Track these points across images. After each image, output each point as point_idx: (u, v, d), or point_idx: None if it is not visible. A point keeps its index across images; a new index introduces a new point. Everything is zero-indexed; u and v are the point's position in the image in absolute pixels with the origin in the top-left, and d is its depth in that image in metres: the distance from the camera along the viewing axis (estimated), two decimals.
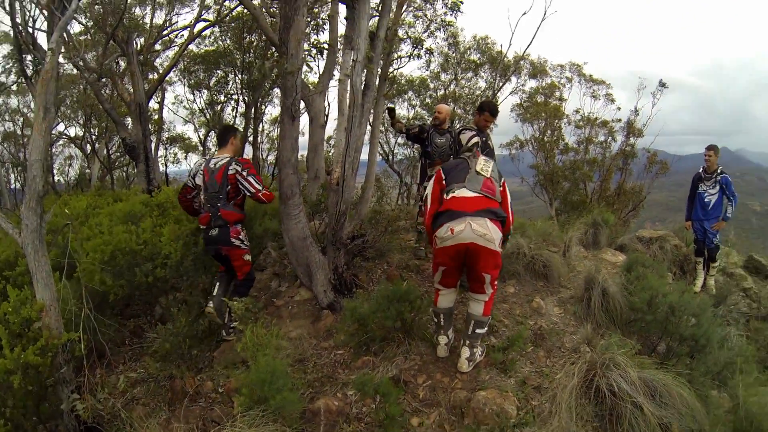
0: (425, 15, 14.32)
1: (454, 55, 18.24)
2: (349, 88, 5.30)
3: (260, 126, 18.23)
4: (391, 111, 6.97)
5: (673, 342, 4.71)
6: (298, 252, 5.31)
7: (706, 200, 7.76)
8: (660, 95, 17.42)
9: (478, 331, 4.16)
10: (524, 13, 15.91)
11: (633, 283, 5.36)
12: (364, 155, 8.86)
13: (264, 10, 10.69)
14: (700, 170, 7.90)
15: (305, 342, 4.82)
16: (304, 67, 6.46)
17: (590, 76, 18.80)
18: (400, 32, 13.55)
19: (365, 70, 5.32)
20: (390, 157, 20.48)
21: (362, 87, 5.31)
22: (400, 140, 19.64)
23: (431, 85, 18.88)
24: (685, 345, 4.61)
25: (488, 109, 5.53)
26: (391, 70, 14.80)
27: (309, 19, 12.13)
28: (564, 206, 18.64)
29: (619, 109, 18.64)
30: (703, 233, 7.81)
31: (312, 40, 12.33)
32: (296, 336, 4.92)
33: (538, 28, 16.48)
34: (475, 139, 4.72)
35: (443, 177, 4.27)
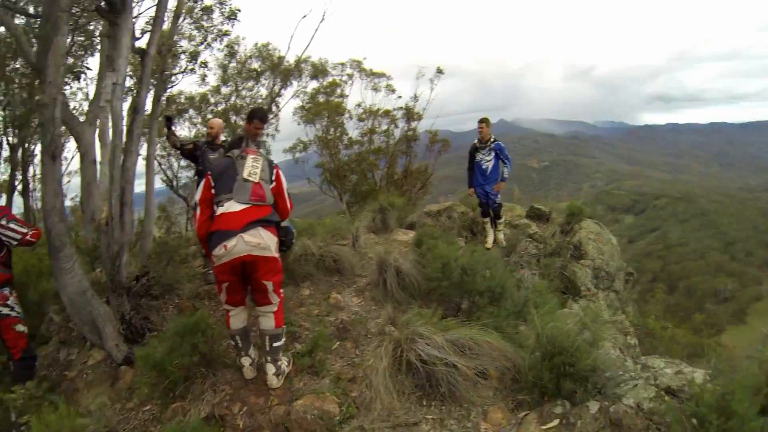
0: (202, 26, 13.69)
1: (234, 65, 17.77)
2: (110, 115, 4.87)
3: (30, 170, 16.08)
4: (169, 120, 6.57)
5: (473, 298, 5.03)
6: (79, 309, 4.73)
7: (484, 167, 8.48)
8: (438, 81, 18.85)
9: (275, 344, 4.04)
10: (304, 17, 16.01)
11: (425, 256, 5.64)
12: (142, 186, 8.30)
13: (30, 30, 9.35)
14: (476, 141, 8.61)
15: (109, 409, 4.32)
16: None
17: (371, 70, 19.43)
18: (178, 46, 12.84)
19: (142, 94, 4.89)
20: (174, 183, 19.34)
21: (124, 112, 4.88)
22: (182, 162, 18.70)
23: (212, 100, 18.21)
24: (484, 297, 4.97)
25: (257, 116, 5.37)
26: (170, 87, 14.02)
27: (82, 38, 10.97)
28: (355, 198, 19.20)
29: (400, 97, 19.60)
30: (486, 196, 8.55)
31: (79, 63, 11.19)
32: (98, 406, 4.37)
33: (316, 29, 16.81)
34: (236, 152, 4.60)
35: (212, 184, 4.05)
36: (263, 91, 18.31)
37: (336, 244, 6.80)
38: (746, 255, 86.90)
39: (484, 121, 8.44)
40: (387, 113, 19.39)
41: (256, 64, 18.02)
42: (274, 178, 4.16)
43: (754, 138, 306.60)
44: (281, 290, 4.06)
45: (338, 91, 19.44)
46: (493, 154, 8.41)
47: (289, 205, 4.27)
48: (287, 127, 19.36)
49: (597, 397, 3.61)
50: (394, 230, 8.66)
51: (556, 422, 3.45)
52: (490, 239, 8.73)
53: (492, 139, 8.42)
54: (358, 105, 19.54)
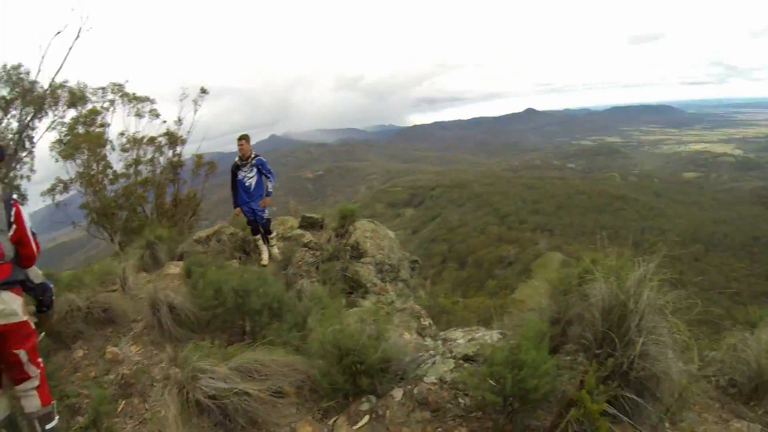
0: None
1: None
2: None
3: None
4: None
5: (253, 318, 4.99)
6: None
7: (247, 184, 8.42)
8: (202, 101, 17.97)
9: (49, 427, 3.49)
10: (58, 33, 14.19)
11: (196, 285, 5.45)
12: None
13: None
14: (237, 159, 8.48)
15: None
16: None
17: (134, 94, 17.69)
18: None
19: None
20: None
21: None
22: None
23: None
24: (263, 315, 4.97)
25: None
26: None
27: None
28: (127, 236, 17.63)
29: (164, 122, 18.17)
30: (253, 213, 8.55)
31: None
32: None
33: (70, 48, 14.84)
34: None
35: None
36: (14, 124, 15.79)
37: (105, 291, 6.21)
38: (520, 223, 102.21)
39: (243, 138, 8.36)
40: (152, 140, 17.92)
41: (4, 91, 15.36)
42: (13, 219, 3.42)
43: (510, 127, 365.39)
44: (39, 359, 3.51)
45: (99, 119, 17.35)
46: (255, 170, 8.40)
47: (35, 248, 3.58)
48: (45, 165, 16.87)
49: (400, 383, 3.79)
50: (166, 264, 8.26)
51: (366, 419, 3.54)
52: (264, 256, 8.78)
53: (253, 155, 8.39)
54: (122, 134, 17.70)
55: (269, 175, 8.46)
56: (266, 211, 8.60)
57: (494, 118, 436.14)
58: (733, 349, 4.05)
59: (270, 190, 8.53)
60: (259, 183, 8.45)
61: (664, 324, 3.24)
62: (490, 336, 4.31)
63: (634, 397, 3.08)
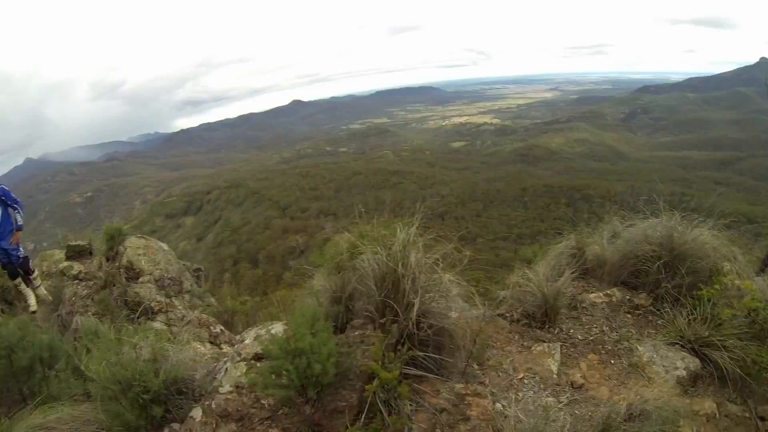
0: None
1: None
2: None
3: None
4: None
5: (24, 378, 4.47)
6: None
7: None
8: None
9: None
10: None
11: None
12: None
13: None
14: None
15: None
16: None
17: None
18: None
19: None
20: None
21: None
22: None
23: None
24: (34, 373, 4.46)
25: None
26: None
27: None
28: None
29: None
30: (6, 254, 7.26)
31: None
32: None
33: None
34: None
35: None
36: None
37: None
38: (302, 212, 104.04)
39: None
40: None
41: None
42: None
43: (279, 120, 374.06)
44: None
45: None
46: None
47: None
48: None
49: (200, 400, 3.57)
50: None
51: None
52: (31, 300, 7.56)
53: None
54: None
55: (16, 206, 7.13)
56: (20, 248, 7.29)
57: (262, 113, 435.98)
58: (518, 285, 4.65)
59: (20, 223, 7.26)
60: (5, 217, 7.11)
61: (445, 279, 3.52)
62: (271, 330, 4.26)
63: (430, 354, 3.29)
